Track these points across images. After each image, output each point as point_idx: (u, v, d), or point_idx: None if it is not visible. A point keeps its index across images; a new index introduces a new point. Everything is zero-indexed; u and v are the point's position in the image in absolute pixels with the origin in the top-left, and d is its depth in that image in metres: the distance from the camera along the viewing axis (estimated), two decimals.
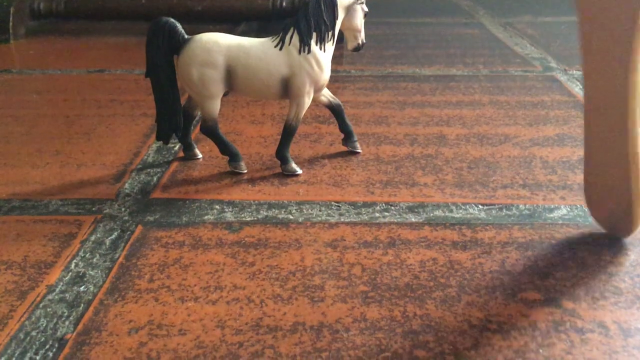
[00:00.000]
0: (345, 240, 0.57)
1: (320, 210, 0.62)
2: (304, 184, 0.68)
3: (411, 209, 0.62)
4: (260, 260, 0.54)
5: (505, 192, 0.66)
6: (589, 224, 0.59)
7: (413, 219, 0.61)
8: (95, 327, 0.45)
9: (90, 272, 0.52)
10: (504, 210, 0.62)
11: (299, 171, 0.70)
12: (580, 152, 0.76)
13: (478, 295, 0.49)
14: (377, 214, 0.62)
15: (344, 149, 0.76)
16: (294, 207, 0.63)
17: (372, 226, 0.59)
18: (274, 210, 0.63)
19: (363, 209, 0.63)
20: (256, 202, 0.64)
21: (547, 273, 0.52)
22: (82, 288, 0.50)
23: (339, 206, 0.63)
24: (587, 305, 0.48)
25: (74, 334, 0.45)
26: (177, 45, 0.66)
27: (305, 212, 0.62)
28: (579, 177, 0.69)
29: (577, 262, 0.53)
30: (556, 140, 0.80)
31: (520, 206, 0.63)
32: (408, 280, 0.51)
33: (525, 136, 0.81)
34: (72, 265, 0.53)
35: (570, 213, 0.61)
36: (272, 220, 0.61)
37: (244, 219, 0.61)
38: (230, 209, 0.63)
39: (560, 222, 0.60)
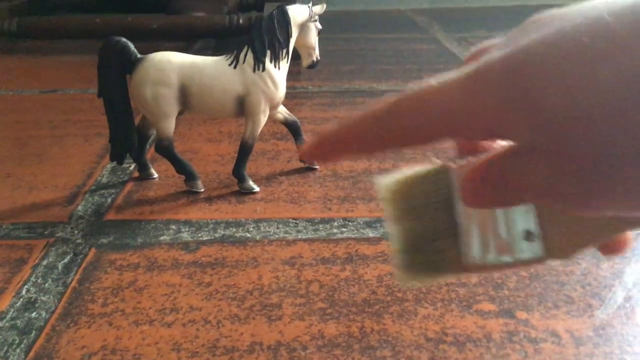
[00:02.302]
0: (302, 257, 0.57)
1: (277, 228, 0.62)
2: (262, 202, 0.68)
3: (369, 224, 0.63)
4: (217, 280, 0.53)
5: None
6: None
7: (371, 234, 0.61)
8: (47, 354, 0.44)
9: (42, 298, 0.51)
10: None
11: (256, 189, 0.70)
12: None
13: (434, 308, 0.49)
14: (335, 230, 0.62)
15: (302, 165, 0.77)
16: (252, 225, 0.63)
17: (329, 242, 0.60)
18: (231, 228, 0.62)
19: (320, 226, 0.63)
20: (213, 221, 0.64)
21: (501, 284, 0.52)
22: (33, 314, 0.49)
23: (296, 223, 0.63)
24: (540, 315, 0.48)
25: None
26: (130, 64, 0.66)
27: (262, 229, 0.62)
28: None
29: (530, 273, 0.54)
30: None
31: None
32: (365, 296, 0.51)
33: None
34: (24, 291, 0.52)
35: None
36: (229, 239, 0.60)
37: (200, 238, 0.60)
38: (187, 229, 0.62)
39: None
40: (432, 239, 0.28)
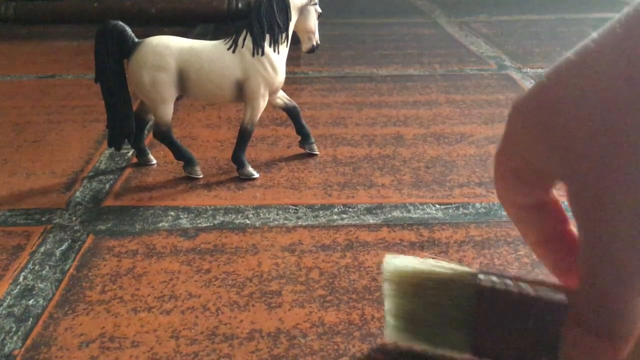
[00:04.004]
0: (302, 244, 0.56)
1: (277, 214, 0.62)
2: (261, 188, 0.67)
3: (369, 210, 0.62)
4: (216, 267, 0.53)
5: (462, 190, 0.66)
6: None
7: (371, 221, 0.60)
8: (45, 342, 0.44)
9: (40, 285, 0.50)
10: (461, 209, 0.62)
11: (256, 175, 0.69)
12: None
13: None
14: (335, 217, 0.61)
15: (302, 151, 0.76)
16: (251, 212, 0.62)
17: (330, 229, 0.59)
18: (230, 215, 0.62)
19: (321, 212, 0.62)
20: (212, 207, 0.63)
21: (503, 271, 0.52)
22: (31, 302, 0.48)
23: (296, 209, 0.63)
24: None
25: (22, 349, 0.43)
26: (127, 49, 0.65)
27: (262, 216, 0.61)
28: None
29: (532, 259, 0.53)
30: None
31: (477, 204, 0.63)
32: (366, 283, 0.50)
33: (480, 134, 0.82)
34: (21, 278, 0.51)
35: None
36: (228, 226, 0.60)
37: (199, 225, 0.60)
38: (185, 215, 0.61)
39: None
40: (437, 331, 0.29)
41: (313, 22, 0.69)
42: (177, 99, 0.67)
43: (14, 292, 0.50)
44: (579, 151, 0.18)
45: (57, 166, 0.73)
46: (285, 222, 0.60)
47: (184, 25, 1.47)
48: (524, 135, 0.20)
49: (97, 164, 0.73)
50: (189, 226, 0.60)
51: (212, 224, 0.60)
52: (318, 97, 0.98)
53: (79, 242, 0.57)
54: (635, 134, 0.17)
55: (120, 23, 0.65)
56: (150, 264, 0.53)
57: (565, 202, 0.23)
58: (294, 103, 0.73)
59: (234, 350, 0.43)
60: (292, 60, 0.69)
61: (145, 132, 0.72)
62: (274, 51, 0.66)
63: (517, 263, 0.53)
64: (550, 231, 0.24)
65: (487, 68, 1.15)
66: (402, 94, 0.99)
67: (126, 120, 0.68)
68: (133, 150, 0.74)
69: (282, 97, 0.72)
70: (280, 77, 0.67)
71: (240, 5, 1.36)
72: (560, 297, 0.27)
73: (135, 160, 0.73)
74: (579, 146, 0.18)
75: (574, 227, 0.24)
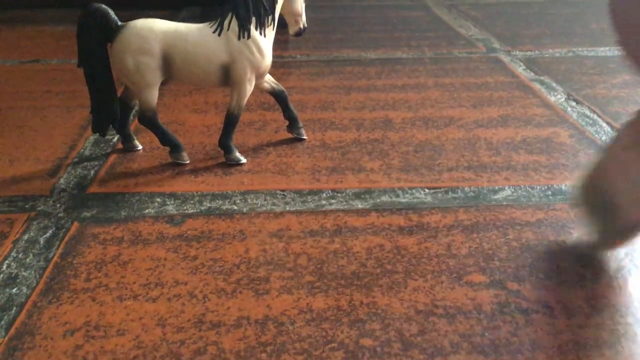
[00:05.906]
0: (290, 229, 0.56)
1: (265, 200, 0.61)
2: (249, 173, 0.66)
3: (358, 195, 0.62)
4: (203, 254, 0.52)
5: (451, 174, 0.66)
6: (532, 204, 0.60)
7: (360, 206, 0.60)
8: (29, 330, 0.43)
9: (23, 273, 0.50)
10: (450, 193, 0.62)
11: (243, 160, 0.69)
12: (523, 133, 0.76)
13: (424, 280, 0.48)
14: (324, 202, 0.61)
15: (289, 136, 0.75)
16: (239, 197, 0.61)
17: (318, 214, 0.58)
18: (217, 201, 0.61)
19: (309, 197, 0.62)
20: (199, 193, 0.62)
21: (492, 255, 0.52)
22: (14, 290, 0.48)
23: (284, 195, 0.62)
24: (531, 285, 0.48)
25: (6, 338, 0.42)
26: (110, 32, 0.63)
27: (249, 202, 0.61)
28: (523, 158, 0.69)
29: (520, 243, 0.53)
30: (500, 122, 0.80)
31: (466, 188, 0.63)
32: (355, 268, 0.50)
33: (469, 118, 0.81)
34: (4, 267, 0.51)
35: (514, 194, 0.62)
36: (215, 212, 0.59)
37: (186, 211, 0.59)
38: (172, 202, 0.61)
39: (505, 203, 0.60)
40: None
41: (300, 5, 0.68)
42: (163, 83, 0.66)
43: None
44: None
45: (41, 152, 0.72)
46: (273, 207, 0.60)
47: (170, 9, 1.45)
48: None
49: (82, 150, 0.72)
50: (175, 212, 0.59)
51: (199, 210, 0.59)
52: (306, 81, 0.97)
53: (64, 230, 0.56)
54: None
55: (103, 6, 0.64)
56: (136, 251, 0.53)
57: None
58: (281, 87, 0.72)
59: (221, 338, 0.42)
60: (279, 43, 0.68)
61: (130, 117, 0.71)
62: (261, 34, 0.65)
63: (506, 247, 0.53)
64: None
65: (476, 51, 1.15)
66: (391, 78, 0.99)
67: (110, 106, 0.67)
68: (118, 135, 0.73)
69: (269, 81, 0.71)
70: (267, 60, 0.66)
71: None
72: None
73: (120, 146, 0.72)
74: None
75: None
